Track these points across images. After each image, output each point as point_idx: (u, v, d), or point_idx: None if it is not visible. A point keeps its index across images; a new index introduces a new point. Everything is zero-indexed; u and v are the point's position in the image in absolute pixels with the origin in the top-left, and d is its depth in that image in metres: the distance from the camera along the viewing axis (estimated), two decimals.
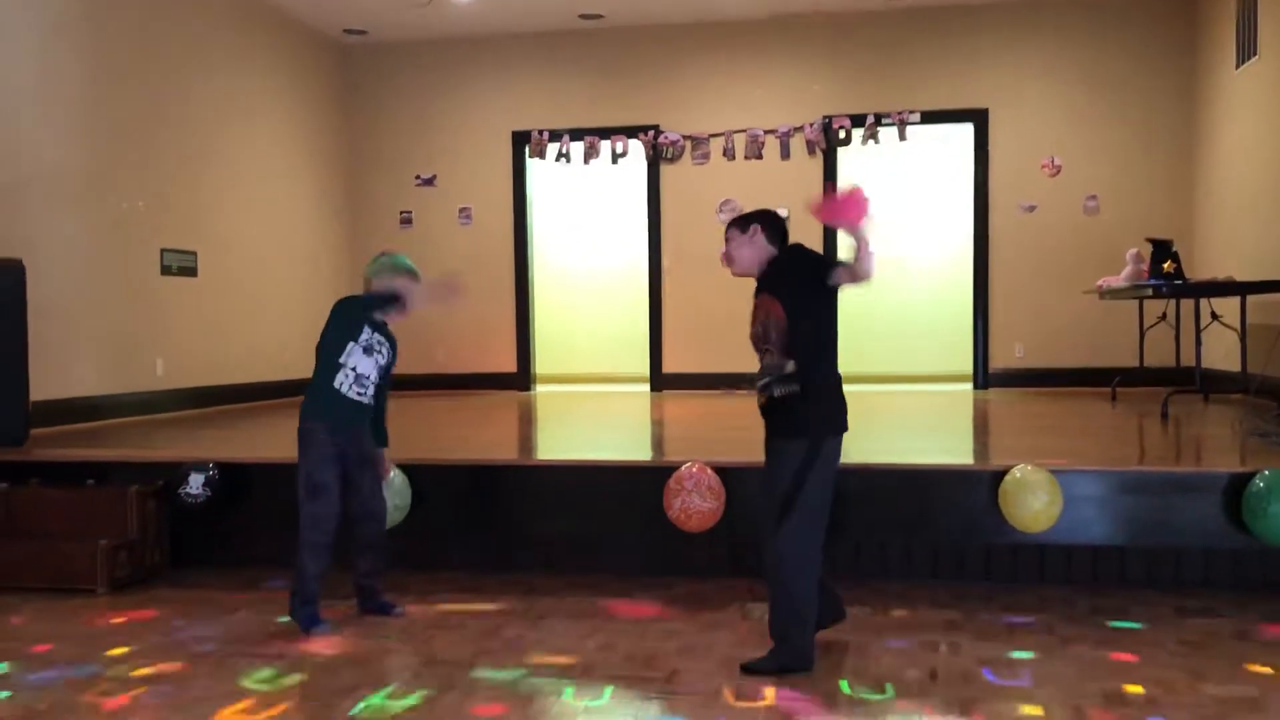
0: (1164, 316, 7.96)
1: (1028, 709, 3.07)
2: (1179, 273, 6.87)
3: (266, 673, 3.49)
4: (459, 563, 4.89)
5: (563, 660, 3.59)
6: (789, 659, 3.37)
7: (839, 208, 3.39)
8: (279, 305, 8.85)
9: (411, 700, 3.21)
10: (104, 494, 4.91)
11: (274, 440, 5.97)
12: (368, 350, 4.05)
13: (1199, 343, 6.89)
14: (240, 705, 3.20)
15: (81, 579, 4.62)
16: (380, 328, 4.11)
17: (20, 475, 5.12)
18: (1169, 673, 3.37)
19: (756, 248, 3.57)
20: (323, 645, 3.79)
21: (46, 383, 6.32)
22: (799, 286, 3.42)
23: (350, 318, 4.07)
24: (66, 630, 4.06)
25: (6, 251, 5.80)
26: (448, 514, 4.86)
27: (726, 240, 3.64)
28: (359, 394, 4.04)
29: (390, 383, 4.22)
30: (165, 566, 4.96)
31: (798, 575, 3.35)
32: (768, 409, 3.44)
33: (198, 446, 5.87)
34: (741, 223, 3.64)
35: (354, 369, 4.03)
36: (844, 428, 3.50)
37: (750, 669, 3.39)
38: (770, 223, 3.63)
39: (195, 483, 4.80)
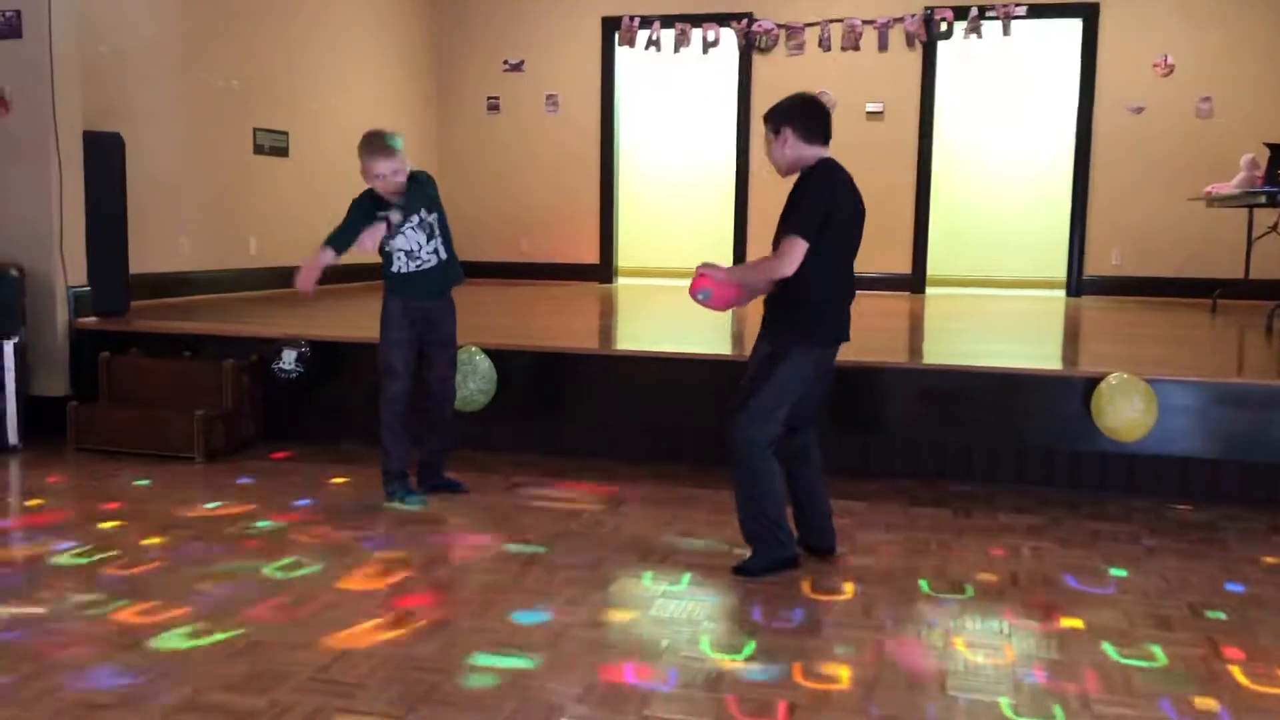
0: (1275, 226, 7.62)
1: (1112, 616, 3.04)
2: None
3: (354, 540, 3.61)
4: (542, 448, 4.96)
5: (642, 546, 3.64)
6: (774, 550, 3.33)
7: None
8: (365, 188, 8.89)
9: (501, 565, 3.29)
10: (200, 366, 5.05)
11: (362, 320, 6.05)
12: (393, 233, 4.04)
13: None
14: (348, 570, 3.32)
15: (179, 447, 4.78)
16: (402, 206, 4.01)
17: (121, 345, 5.28)
18: (1260, 588, 3.31)
19: (792, 151, 3.30)
20: (413, 515, 3.90)
21: (145, 257, 6.47)
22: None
23: (354, 211, 4.07)
24: (179, 494, 4.23)
25: (106, 124, 5.89)
26: (531, 400, 4.91)
27: (766, 143, 3.38)
28: (419, 265, 4.08)
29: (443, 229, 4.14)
30: (259, 439, 5.11)
31: (752, 467, 3.28)
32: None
33: (290, 323, 5.98)
34: (772, 120, 3.33)
35: (400, 249, 4.06)
36: (826, 341, 3.36)
37: (740, 570, 3.35)
38: (803, 121, 3.30)
39: (288, 358, 4.90)
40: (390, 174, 3.97)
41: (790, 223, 3.22)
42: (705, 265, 3.33)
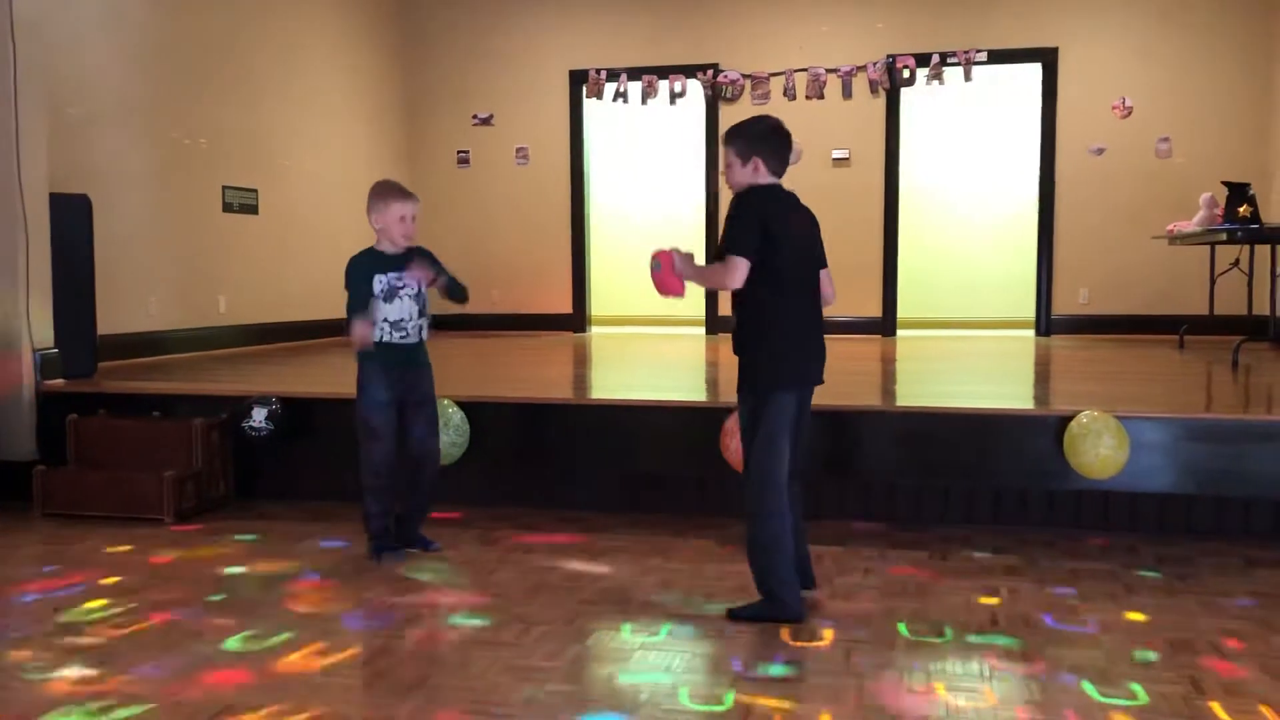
0: (1236, 263, 7.72)
1: (1091, 655, 3.03)
2: (1255, 217, 6.66)
3: (327, 599, 3.56)
4: (517, 500, 4.92)
5: (620, 597, 3.60)
6: (775, 609, 3.31)
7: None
8: (337, 244, 8.76)
9: (477, 621, 3.25)
10: (169, 426, 4.99)
11: (334, 376, 6.03)
12: (389, 296, 3.98)
13: (1275, 290, 6.69)
14: (299, 636, 3.26)
15: (149, 508, 4.72)
16: (395, 263, 4.00)
17: (89, 406, 5.22)
18: (1237, 623, 3.31)
19: (757, 180, 3.30)
20: (391, 572, 3.85)
21: (113, 317, 6.42)
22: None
23: (356, 277, 4.01)
24: (138, 560, 4.16)
25: (74, 186, 5.86)
26: (505, 451, 4.89)
27: (725, 163, 3.35)
28: (401, 337, 4.01)
29: (447, 282, 4.09)
30: (230, 498, 5.05)
31: (762, 522, 3.29)
32: None
33: (260, 381, 5.94)
34: (741, 146, 3.28)
35: (385, 319, 3.99)
36: (795, 384, 3.36)
37: (736, 615, 3.35)
38: (776, 154, 3.29)
39: (259, 416, 4.86)
40: (411, 217, 4.00)
41: (728, 243, 3.28)
42: (670, 251, 3.44)
